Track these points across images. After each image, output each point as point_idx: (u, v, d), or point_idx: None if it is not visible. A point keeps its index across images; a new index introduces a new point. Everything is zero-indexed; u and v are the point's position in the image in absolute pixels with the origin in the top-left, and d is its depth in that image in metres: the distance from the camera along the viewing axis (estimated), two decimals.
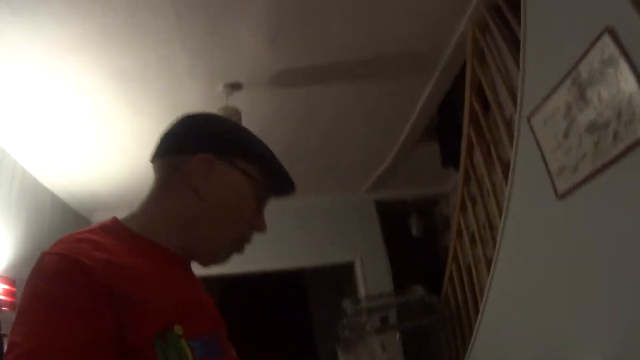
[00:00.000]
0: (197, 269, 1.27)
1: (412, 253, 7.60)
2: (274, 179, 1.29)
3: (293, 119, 5.26)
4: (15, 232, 4.71)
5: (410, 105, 5.39)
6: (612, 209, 2.51)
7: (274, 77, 4.48)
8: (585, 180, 2.66)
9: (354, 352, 5.76)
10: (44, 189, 5.47)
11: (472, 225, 4.90)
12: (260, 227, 1.29)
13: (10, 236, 4.62)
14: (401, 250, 7.39)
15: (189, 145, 1.22)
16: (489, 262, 4.12)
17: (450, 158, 5.68)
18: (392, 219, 7.54)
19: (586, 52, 2.56)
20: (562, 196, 2.92)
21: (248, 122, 4.55)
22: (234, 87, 4.47)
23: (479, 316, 4.19)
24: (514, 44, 3.58)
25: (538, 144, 3.15)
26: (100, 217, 6.20)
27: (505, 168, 3.80)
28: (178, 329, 1.00)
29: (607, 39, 2.39)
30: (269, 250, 4.98)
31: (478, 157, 4.61)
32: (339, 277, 8.10)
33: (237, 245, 1.27)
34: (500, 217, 3.79)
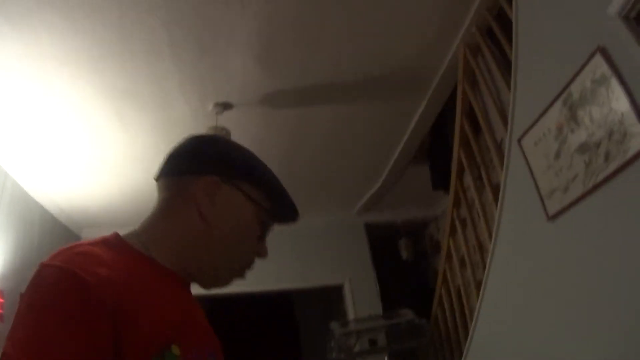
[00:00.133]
0: None
1: (402, 276, 7.57)
2: (278, 205, 1.29)
3: (283, 140, 5.24)
4: (4, 244, 4.66)
5: (401, 127, 5.40)
6: (604, 230, 2.49)
7: (264, 96, 4.47)
8: (576, 201, 2.64)
9: None
10: (34, 202, 5.42)
11: (462, 248, 4.87)
12: (262, 253, 1.29)
13: None
14: (391, 273, 7.36)
15: (196, 166, 1.22)
16: (478, 285, 4.08)
17: (440, 181, 5.67)
18: (382, 241, 7.51)
19: (577, 72, 2.56)
20: (552, 218, 2.90)
21: (238, 142, 4.54)
22: (225, 106, 4.47)
23: (469, 339, 4.14)
24: (506, 65, 3.59)
25: (529, 165, 3.13)
26: (89, 233, 6.29)
27: (496, 191, 3.78)
28: (175, 349, 0.99)
29: (599, 59, 2.39)
30: (257, 271, 4.77)
31: (468, 180, 4.59)
32: (328, 300, 8.05)
33: (239, 269, 1.26)
34: (490, 240, 3.76)
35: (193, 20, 3.57)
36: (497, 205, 3.63)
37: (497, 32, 3.65)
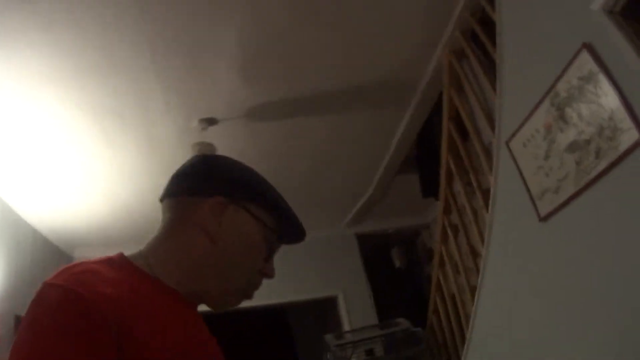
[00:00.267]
0: None
1: (396, 285, 7.55)
2: (285, 225, 1.28)
3: (270, 154, 5.20)
4: None
5: (388, 136, 5.39)
6: (597, 228, 2.47)
7: (249, 111, 4.44)
8: (568, 201, 2.62)
9: None
10: (25, 223, 5.36)
11: (454, 254, 4.84)
12: (269, 273, 1.27)
13: None
14: (384, 282, 7.34)
15: (203, 187, 1.21)
16: (473, 291, 4.05)
17: (430, 188, 5.65)
18: (374, 251, 7.49)
19: (564, 71, 2.55)
20: (544, 219, 2.88)
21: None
22: (210, 122, 4.42)
23: (466, 345, 4.10)
24: (491, 68, 3.57)
25: (518, 167, 3.11)
26: (81, 253, 6.26)
27: (486, 195, 3.76)
28: None
29: (585, 56, 2.37)
30: None
31: (458, 185, 4.56)
32: (323, 312, 8.00)
33: (247, 290, 1.24)
34: (483, 245, 3.73)
35: (176, 36, 3.53)
36: (487, 210, 3.60)
37: (481, 36, 3.64)
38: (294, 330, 9.03)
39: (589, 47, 2.36)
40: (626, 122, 2.14)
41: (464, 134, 4.33)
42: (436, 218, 5.59)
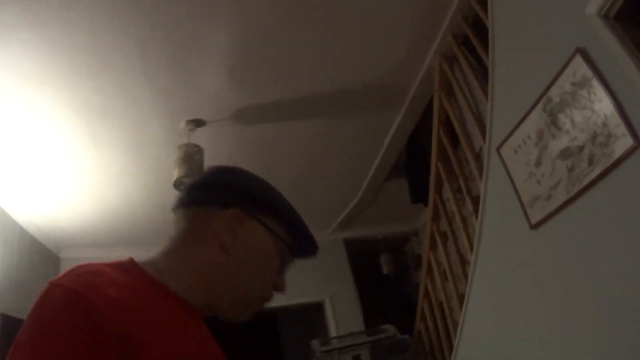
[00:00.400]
0: None
1: (384, 291, 7.53)
2: (299, 239, 1.27)
3: (257, 157, 5.16)
4: None
5: (377, 141, 5.37)
6: (589, 237, 2.43)
7: (237, 113, 4.40)
8: (560, 208, 2.58)
9: None
10: (14, 222, 5.28)
11: (443, 261, 4.80)
12: (281, 287, 1.26)
13: None
14: (372, 288, 7.31)
15: (219, 199, 1.20)
16: (461, 298, 4.01)
17: (419, 194, 5.62)
18: (363, 257, 7.45)
19: (557, 76, 2.51)
20: (535, 226, 2.84)
21: (211, 159, 4.48)
22: (197, 123, 4.38)
23: (453, 353, 4.06)
24: (483, 74, 3.54)
25: (509, 174, 3.07)
26: (68, 254, 6.19)
27: (476, 202, 3.72)
28: None
29: (578, 60, 2.34)
30: None
31: (448, 192, 4.52)
32: (309, 317, 7.96)
33: (258, 302, 1.24)
34: (472, 252, 3.69)
35: (164, 37, 3.49)
36: (477, 217, 3.56)
37: (473, 40, 3.61)
38: (282, 335, 8.98)
39: (583, 52, 2.32)
40: (620, 129, 2.10)
41: (454, 139, 4.30)
42: (425, 225, 5.55)
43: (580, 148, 2.37)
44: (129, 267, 1.08)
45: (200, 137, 4.39)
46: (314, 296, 7.00)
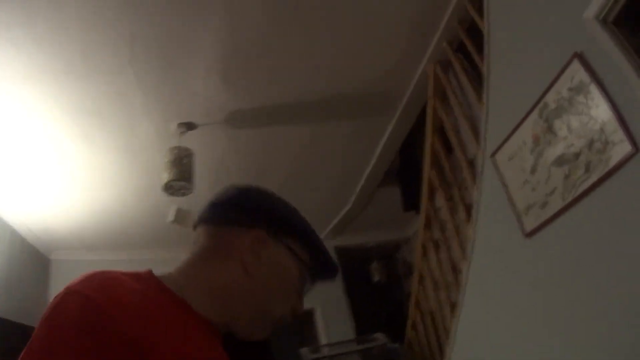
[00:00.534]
0: None
1: (375, 299, 7.49)
2: (320, 262, 1.28)
3: (248, 161, 5.12)
4: None
5: (370, 147, 5.33)
6: (585, 245, 2.39)
7: (228, 116, 4.35)
8: (555, 216, 2.54)
9: None
10: (4, 223, 5.22)
11: (435, 269, 4.77)
12: (299, 309, 1.26)
13: None
14: (363, 296, 7.27)
15: (243, 218, 1.20)
16: (453, 307, 3.97)
17: (411, 202, 5.60)
18: (353, 265, 7.40)
19: (553, 81, 2.48)
20: (529, 235, 2.79)
21: (202, 163, 4.43)
22: (188, 126, 4.33)
23: None
24: (478, 80, 3.51)
25: (503, 181, 3.04)
26: (59, 256, 6.14)
27: (469, 210, 3.69)
28: None
29: (576, 65, 2.30)
30: None
31: (441, 200, 4.49)
32: (300, 325, 7.92)
33: (276, 323, 1.23)
34: (464, 261, 3.65)
35: (156, 38, 3.46)
36: (471, 225, 3.52)
37: (468, 46, 3.57)
38: (273, 343, 8.93)
39: (580, 57, 2.29)
40: (618, 134, 2.07)
41: (447, 146, 4.27)
42: (417, 232, 5.52)
43: (577, 155, 2.33)
44: (147, 278, 1.08)
45: (191, 140, 4.34)
46: (304, 303, 6.94)
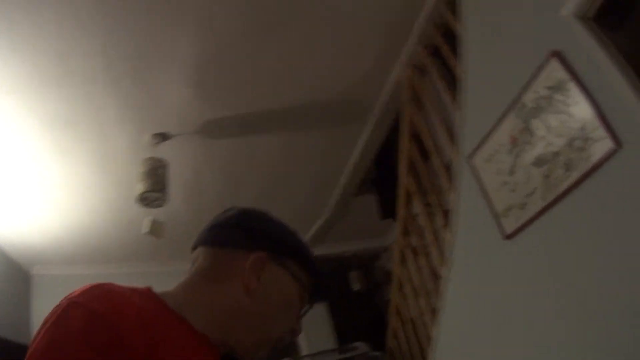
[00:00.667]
0: None
1: (355, 308, 7.45)
2: (318, 285, 1.31)
3: (223, 171, 5.06)
4: None
5: (346, 155, 5.31)
6: (567, 245, 2.37)
7: (202, 127, 4.31)
8: (536, 216, 2.52)
9: None
10: None
11: (414, 276, 4.73)
12: (297, 331, 1.28)
13: None
14: (343, 306, 7.22)
15: (245, 241, 1.21)
16: (434, 313, 3.93)
17: (389, 210, 5.56)
18: (333, 274, 7.36)
19: (531, 81, 2.46)
20: (509, 236, 2.77)
21: (177, 173, 4.38)
22: (163, 137, 4.27)
23: None
24: (454, 83, 3.48)
25: (481, 183, 3.01)
26: (39, 271, 6.03)
27: (447, 215, 3.65)
28: None
29: (554, 64, 2.29)
30: None
31: (418, 206, 4.45)
32: None
33: (274, 344, 1.24)
34: (444, 266, 3.61)
35: (130, 48, 3.42)
36: (449, 230, 3.49)
37: (444, 50, 3.55)
38: None
39: (559, 55, 2.27)
40: (599, 132, 2.05)
41: (424, 152, 4.24)
42: (395, 240, 5.49)
43: (557, 154, 2.32)
44: (146, 294, 1.08)
45: (166, 150, 4.29)
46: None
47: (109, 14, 3.14)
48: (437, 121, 3.84)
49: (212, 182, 5.10)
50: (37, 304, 5.73)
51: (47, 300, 5.68)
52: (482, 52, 3.01)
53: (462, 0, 3.19)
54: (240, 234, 1.22)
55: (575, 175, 2.20)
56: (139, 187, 4.06)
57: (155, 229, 4.69)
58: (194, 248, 1.25)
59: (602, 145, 2.04)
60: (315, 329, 6.74)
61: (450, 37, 3.48)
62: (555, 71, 2.29)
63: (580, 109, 2.16)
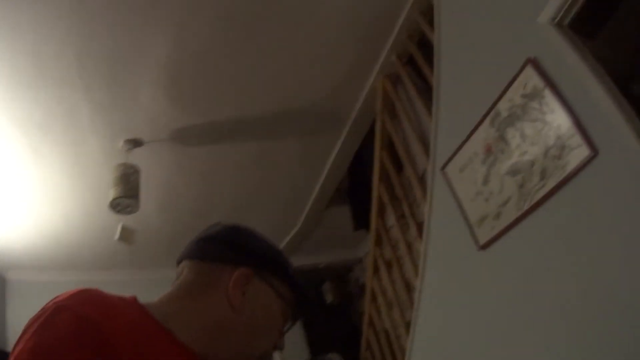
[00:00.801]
0: None
1: (328, 320, 7.41)
2: (301, 302, 1.33)
3: (196, 179, 4.99)
4: None
5: (318, 165, 5.27)
6: (542, 255, 2.34)
7: (175, 133, 4.25)
8: (510, 226, 2.49)
9: None
10: None
11: (388, 288, 4.69)
12: (281, 346, 1.30)
13: None
14: (317, 317, 7.17)
15: (230, 257, 1.22)
16: (408, 326, 3.88)
17: (362, 221, 5.52)
18: (306, 285, 7.32)
19: (506, 89, 2.44)
20: (484, 247, 2.74)
21: (149, 180, 4.32)
22: (135, 143, 4.21)
23: None
24: (428, 93, 3.45)
25: (454, 194, 2.98)
26: (15, 276, 5.88)
27: (420, 227, 3.62)
28: None
29: (529, 71, 2.27)
30: None
31: (391, 217, 4.42)
32: None
33: (259, 358, 1.25)
34: (417, 278, 3.57)
35: (102, 50, 3.37)
36: (422, 241, 3.45)
37: (418, 59, 3.53)
38: None
39: (535, 62, 2.25)
40: (575, 139, 2.02)
41: (397, 163, 4.21)
42: (369, 252, 5.45)
43: (532, 162, 2.29)
44: (132, 303, 1.09)
45: (138, 157, 4.23)
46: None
47: (84, 18, 3.10)
48: (411, 131, 3.81)
49: (186, 190, 5.03)
50: (12, 309, 5.59)
51: (22, 305, 5.56)
52: (457, 60, 2.99)
53: (437, 9, 3.17)
54: (226, 249, 1.23)
55: (550, 183, 2.17)
56: (111, 193, 4.01)
57: (126, 235, 4.62)
58: (179, 262, 1.25)
59: (579, 153, 2.01)
60: (289, 341, 6.67)
61: (425, 46, 3.46)
62: (530, 78, 2.27)
63: (556, 117, 2.13)
